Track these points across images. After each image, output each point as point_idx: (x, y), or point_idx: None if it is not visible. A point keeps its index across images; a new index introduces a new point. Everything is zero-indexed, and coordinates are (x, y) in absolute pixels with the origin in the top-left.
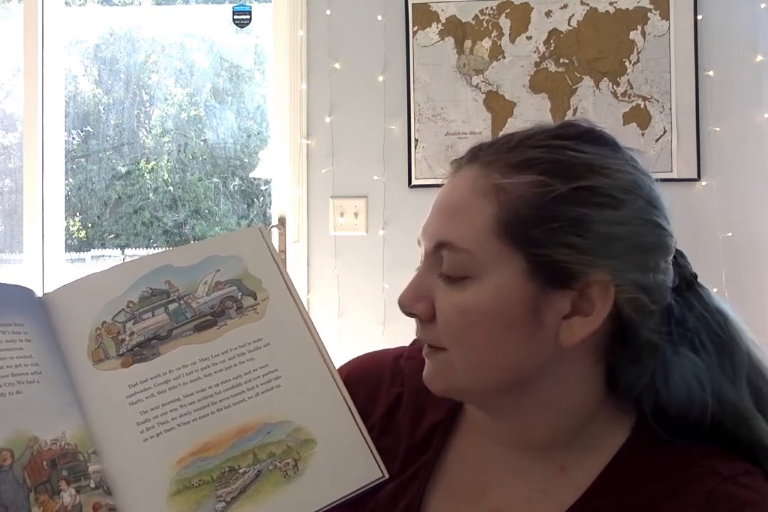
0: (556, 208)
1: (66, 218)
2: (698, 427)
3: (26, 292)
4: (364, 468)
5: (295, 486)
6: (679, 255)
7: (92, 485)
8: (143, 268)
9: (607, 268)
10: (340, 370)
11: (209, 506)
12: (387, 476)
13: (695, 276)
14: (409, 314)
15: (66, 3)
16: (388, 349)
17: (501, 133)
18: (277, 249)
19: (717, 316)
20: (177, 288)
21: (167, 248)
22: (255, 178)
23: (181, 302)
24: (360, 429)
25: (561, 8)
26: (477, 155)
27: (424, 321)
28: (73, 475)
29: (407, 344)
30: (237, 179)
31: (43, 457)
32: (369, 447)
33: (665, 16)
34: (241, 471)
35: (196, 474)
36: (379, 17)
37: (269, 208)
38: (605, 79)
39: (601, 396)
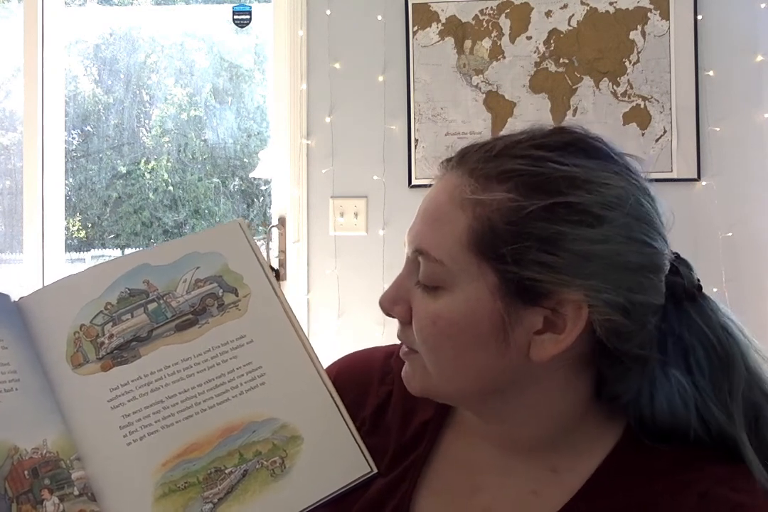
0: (530, 224)
1: (66, 218)
2: (684, 439)
3: (1, 298)
4: (352, 463)
5: (283, 485)
6: (683, 265)
7: (76, 492)
8: (120, 268)
9: (582, 288)
10: (330, 368)
11: (196, 508)
12: (376, 470)
13: (699, 288)
14: (389, 315)
15: (66, 3)
16: (379, 347)
17: (502, 133)
18: (276, 249)
19: (718, 332)
20: (156, 287)
21: None
22: (255, 178)
23: (161, 302)
24: (347, 424)
25: (561, 8)
26: (462, 160)
27: (402, 323)
28: (56, 483)
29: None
30: (237, 179)
31: (24, 466)
32: (357, 442)
33: (665, 16)
34: (227, 471)
35: (182, 476)
36: (379, 17)
37: (269, 208)
38: (605, 79)
39: (587, 403)
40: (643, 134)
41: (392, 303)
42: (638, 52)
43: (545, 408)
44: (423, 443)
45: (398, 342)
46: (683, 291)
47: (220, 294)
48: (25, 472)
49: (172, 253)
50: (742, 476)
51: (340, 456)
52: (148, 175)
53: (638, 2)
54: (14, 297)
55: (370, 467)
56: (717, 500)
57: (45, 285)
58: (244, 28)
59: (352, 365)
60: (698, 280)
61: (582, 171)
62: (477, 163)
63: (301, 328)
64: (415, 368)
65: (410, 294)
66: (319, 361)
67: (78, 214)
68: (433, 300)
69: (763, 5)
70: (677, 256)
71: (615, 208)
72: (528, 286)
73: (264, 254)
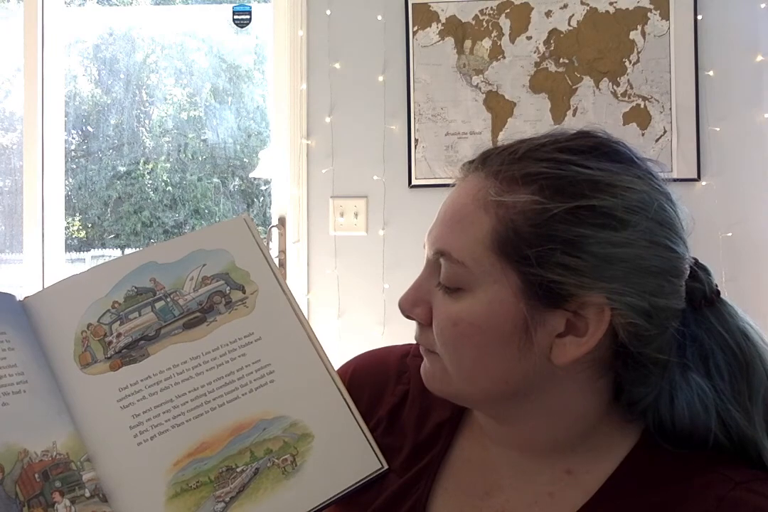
0: (554, 227)
1: (66, 218)
2: (704, 444)
3: (6, 298)
4: (362, 460)
5: (295, 482)
6: (702, 270)
7: (87, 494)
8: (126, 267)
9: (604, 291)
10: (346, 367)
11: (209, 507)
12: (386, 467)
13: (717, 293)
14: (408, 317)
15: (66, 3)
16: (395, 346)
17: (504, 136)
18: (277, 249)
19: (737, 336)
20: (163, 285)
21: None
22: (255, 178)
23: (168, 300)
24: (357, 421)
25: (561, 8)
26: (485, 162)
27: (422, 325)
28: (66, 486)
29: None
30: (237, 179)
31: (35, 469)
32: (367, 439)
33: (665, 16)
34: (238, 469)
35: (194, 475)
36: (379, 17)
37: (269, 208)
38: (605, 79)
39: (605, 406)
40: (643, 134)
41: (412, 305)
42: (638, 52)
43: (564, 411)
44: (439, 444)
45: (401, 342)
46: (702, 296)
47: (228, 291)
48: (36, 475)
49: (178, 250)
50: (760, 480)
51: (351, 453)
52: (147, 175)
53: (638, 2)
54: (19, 297)
55: (381, 463)
56: (735, 503)
57: (49, 284)
58: (244, 28)
59: (368, 364)
60: (716, 285)
61: (606, 175)
62: (501, 165)
63: (309, 325)
64: (435, 368)
65: (430, 296)
66: (327, 357)
67: (78, 214)
68: (454, 302)
69: (763, 5)
70: (696, 261)
71: (638, 212)
72: (551, 289)
73: None
